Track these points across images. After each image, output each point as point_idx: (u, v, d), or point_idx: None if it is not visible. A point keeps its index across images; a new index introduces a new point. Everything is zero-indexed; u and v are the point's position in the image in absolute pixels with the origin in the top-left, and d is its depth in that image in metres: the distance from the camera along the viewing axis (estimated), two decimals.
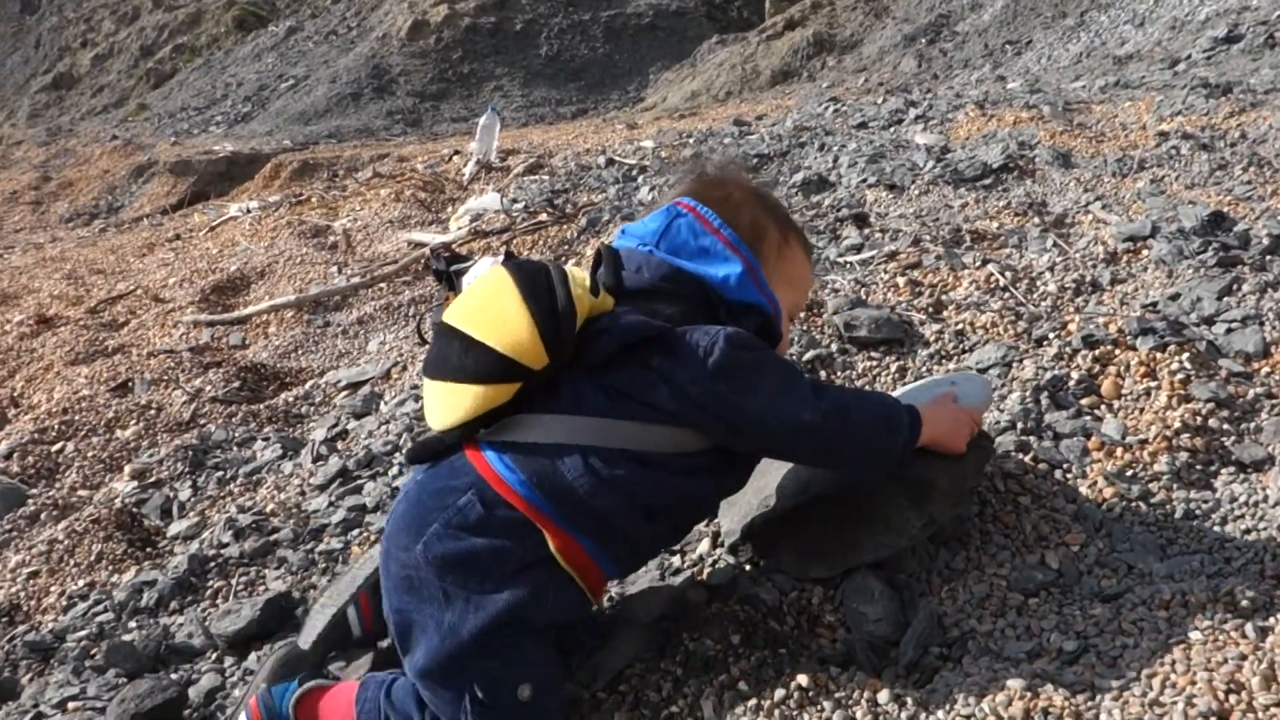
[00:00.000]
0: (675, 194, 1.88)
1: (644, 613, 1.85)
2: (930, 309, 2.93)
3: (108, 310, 5.78)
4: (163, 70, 26.66)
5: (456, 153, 9.12)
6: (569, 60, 19.22)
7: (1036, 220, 3.82)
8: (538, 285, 1.62)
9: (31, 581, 2.70)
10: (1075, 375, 2.42)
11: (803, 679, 1.59)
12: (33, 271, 7.95)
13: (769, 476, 2.03)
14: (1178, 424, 2.19)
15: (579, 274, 1.68)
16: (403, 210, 6.68)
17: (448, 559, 1.56)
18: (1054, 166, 4.64)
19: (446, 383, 1.65)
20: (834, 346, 2.81)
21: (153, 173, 14.74)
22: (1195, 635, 1.58)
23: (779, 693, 1.58)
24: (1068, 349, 2.52)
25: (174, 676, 2.15)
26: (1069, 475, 2.12)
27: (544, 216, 5.24)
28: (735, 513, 2.03)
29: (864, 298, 3.07)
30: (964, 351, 2.67)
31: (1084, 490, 2.07)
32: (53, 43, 33.17)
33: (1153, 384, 2.35)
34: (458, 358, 1.63)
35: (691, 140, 6.77)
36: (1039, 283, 3.08)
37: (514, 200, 5.95)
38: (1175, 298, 2.78)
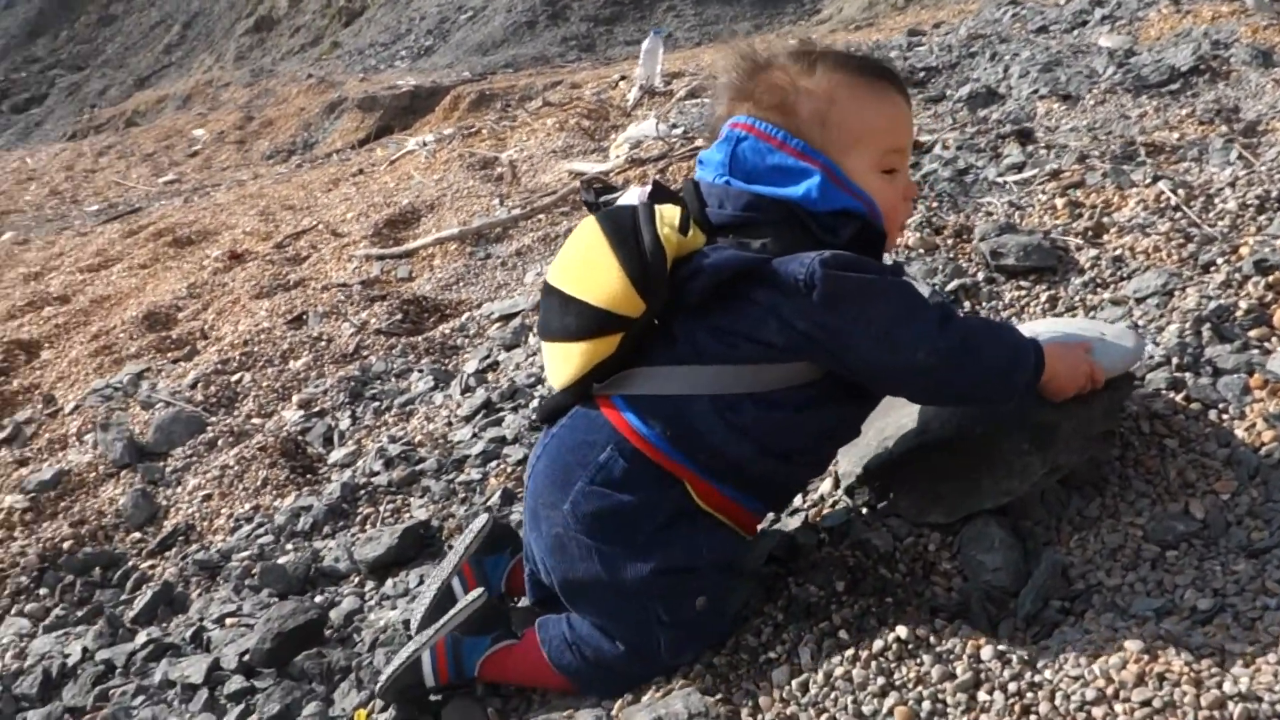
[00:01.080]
0: (724, 109, 1.72)
1: (752, 557, 1.82)
2: (1089, 232, 2.75)
3: (292, 245, 6.05)
4: (353, 8, 27.43)
5: (623, 78, 9.07)
6: None
7: (1224, 129, 3.52)
8: (624, 232, 1.59)
9: (205, 504, 2.89)
10: (1244, 305, 2.22)
11: (902, 631, 1.53)
12: (232, 208, 8.39)
13: (889, 417, 1.96)
14: None
15: (669, 212, 1.62)
16: (566, 139, 6.71)
17: (596, 517, 1.59)
18: (1252, 67, 4.25)
19: (556, 343, 1.67)
20: (980, 275, 2.68)
21: (343, 109, 15.27)
22: None
23: (877, 644, 1.53)
24: (1237, 275, 2.31)
25: (318, 599, 2.27)
26: (1225, 416, 1.95)
27: (700, 142, 5.16)
28: (854, 454, 1.96)
29: (1016, 222, 2.90)
30: (1121, 279, 2.49)
31: (1240, 433, 1.90)
32: None
33: None
34: (559, 317, 1.65)
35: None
36: (1216, 200, 2.83)
37: (673, 125, 5.88)
38: None
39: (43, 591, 2.58)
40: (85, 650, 2.25)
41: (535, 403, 2.91)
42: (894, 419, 1.94)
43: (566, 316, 1.63)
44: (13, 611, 2.52)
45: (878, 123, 1.66)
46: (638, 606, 1.61)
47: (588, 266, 1.62)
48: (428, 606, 1.93)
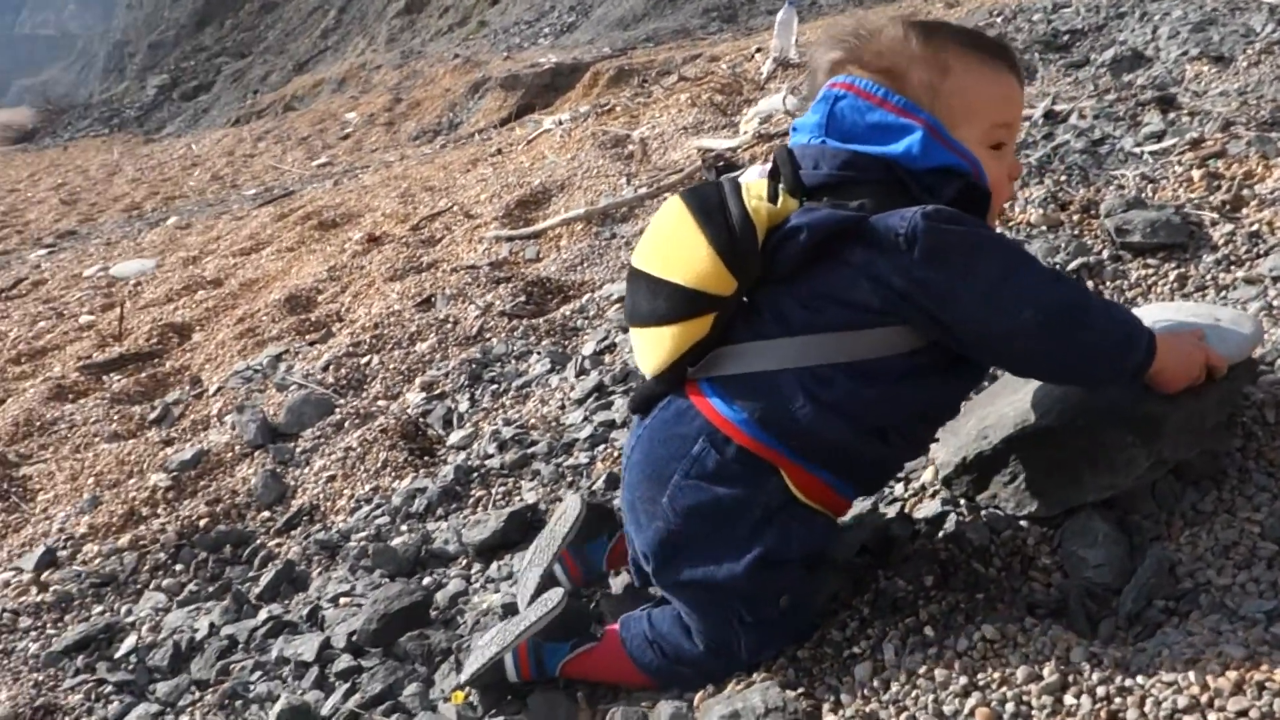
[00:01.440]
0: (826, 73, 1.65)
1: (844, 548, 1.78)
2: (1226, 206, 2.59)
3: (427, 227, 6.19)
4: None
5: (759, 50, 8.97)
6: None
7: None
8: (710, 207, 1.55)
9: (329, 485, 3.00)
10: None
11: (989, 629, 1.48)
12: (376, 190, 8.64)
13: (990, 407, 1.89)
14: None
15: (756, 185, 1.60)
16: (697, 115, 6.67)
17: (695, 511, 1.57)
18: None
19: (645, 328, 1.64)
20: (1105, 253, 2.55)
21: (486, 88, 15.53)
22: None
23: (963, 642, 1.49)
24: None
25: (426, 580, 2.33)
26: None
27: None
28: (952, 444, 1.90)
29: (1148, 195, 2.76)
30: (1257, 257, 2.34)
31: None
32: None
33: None
34: (648, 301, 1.62)
35: (999, 19, 6.28)
36: None
37: (804, 98, 5.78)
38: None
39: (179, 567, 2.73)
40: (212, 625, 2.37)
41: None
42: (995, 409, 1.88)
43: (656, 300, 1.60)
44: (151, 586, 2.67)
45: (989, 96, 1.61)
46: (722, 604, 1.60)
47: (675, 246, 1.59)
48: (532, 594, 1.95)
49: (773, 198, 1.59)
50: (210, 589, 2.60)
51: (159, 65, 43.37)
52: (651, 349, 1.64)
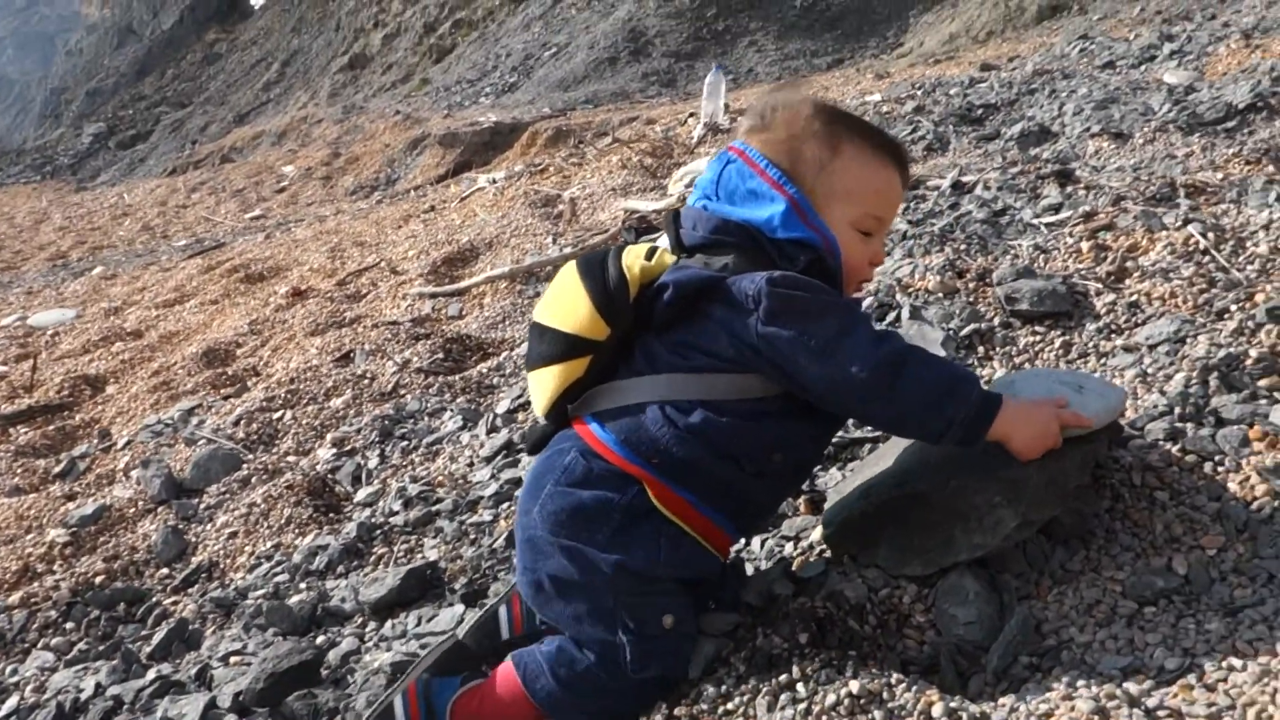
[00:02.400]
0: (740, 134, 1.87)
1: (726, 610, 1.81)
2: (1111, 276, 2.70)
3: (354, 282, 6.20)
4: (443, 45, 28.11)
5: (692, 115, 9.13)
6: (825, 9, 18.73)
7: (1271, 169, 3.43)
8: (593, 266, 1.76)
9: (230, 541, 2.97)
10: (1254, 353, 2.16)
11: (855, 685, 1.52)
12: (307, 244, 8.63)
13: (874, 467, 1.95)
14: None
15: (637, 248, 1.81)
16: (627, 177, 6.77)
17: (559, 514, 1.69)
18: None
19: (535, 370, 1.83)
20: (996, 320, 2.64)
21: (425, 145, 15.62)
22: None
23: (830, 698, 1.52)
24: (1250, 323, 2.26)
25: (319, 639, 2.31)
26: (1220, 469, 1.90)
27: None
28: (836, 503, 1.95)
29: (1040, 265, 2.86)
30: (1135, 326, 2.44)
31: (1233, 486, 1.85)
32: (349, 25, 35.63)
33: None
34: (537, 346, 1.81)
35: (919, 92, 6.47)
36: (1249, 244, 2.76)
37: None
38: None
39: (69, 626, 2.68)
40: (99, 685, 2.32)
41: None
42: (877, 470, 1.93)
43: (542, 345, 1.80)
44: (39, 645, 2.61)
45: (870, 186, 1.81)
46: (604, 607, 1.67)
47: (562, 299, 1.78)
48: (469, 628, 2.00)
49: (649, 255, 1.79)
50: (100, 648, 2.55)
51: (96, 113, 42.94)
52: (539, 388, 1.83)
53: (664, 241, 1.88)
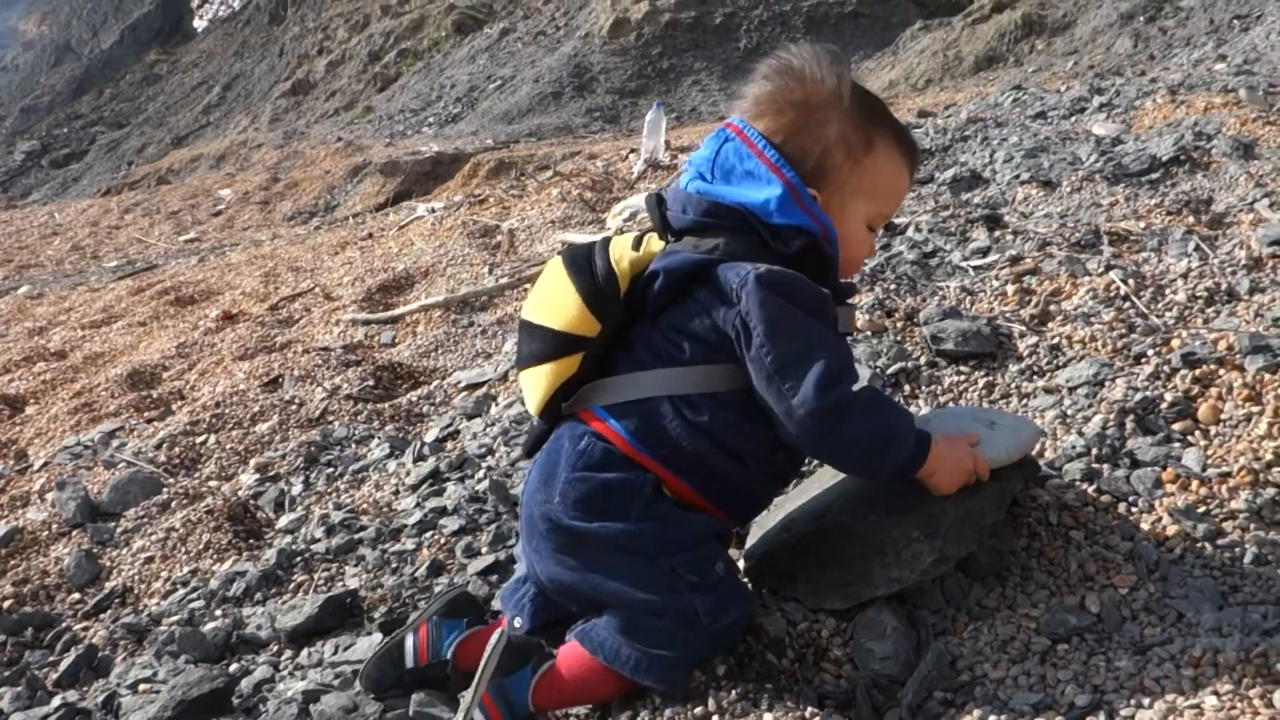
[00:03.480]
0: (738, 107, 1.81)
1: None
2: (1034, 319, 2.75)
3: (286, 307, 6.12)
4: (388, 74, 27.98)
5: (633, 150, 9.19)
6: (768, 53, 18.86)
7: (1191, 220, 3.53)
8: (580, 260, 1.74)
9: (146, 566, 2.89)
10: (1169, 397, 2.22)
11: (768, 718, 1.52)
12: (240, 269, 8.51)
13: (798, 500, 1.96)
14: (1270, 456, 1.97)
15: (623, 238, 1.79)
16: (566, 210, 6.78)
17: (587, 498, 1.68)
18: (1232, 159, 4.26)
19: (526, 369, 1.80)
20: (923, 359, 2.68)
21: (366, 173, 15.48)
22: (1211, 701, 1.42)
23: None
24: (1166, 368, 2.31)
25: (233, 668, 2.26)
26: (1134, 510, 1.94)
27: None
28: (758, 535, 1.96)
29: (965, 306, 2.91)
30: (1057, 368, 2.49)
31: (1145, 527, 1.89)
32: (293, 51, 35.37)
33: (1255, 409, 2.12)
34: (527, 345, 1.79)
35: None
36: (1167, 291, 2.83)
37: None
38: None
39: None
40: (1, 713, 2.25)
41: (482, 473, 2.92)
42: (800, 503, 1.94)
43: (533, 343, 1.77)
44: None
45: (892, 189, 1.84)
46: (664, 571, 1.66)
47: (551, 296, 1.76)
48: (372, 659, 1.98)
49: (636, 244, 1.77)
50: (5, 674, 2.46)
51: (30, 130, 42.11)
52: (532, 387, 1.80)
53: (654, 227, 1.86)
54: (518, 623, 1.84)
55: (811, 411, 1.58)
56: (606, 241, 1.77)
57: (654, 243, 1.79)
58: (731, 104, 1.87)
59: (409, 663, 1.95)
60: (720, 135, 1.77)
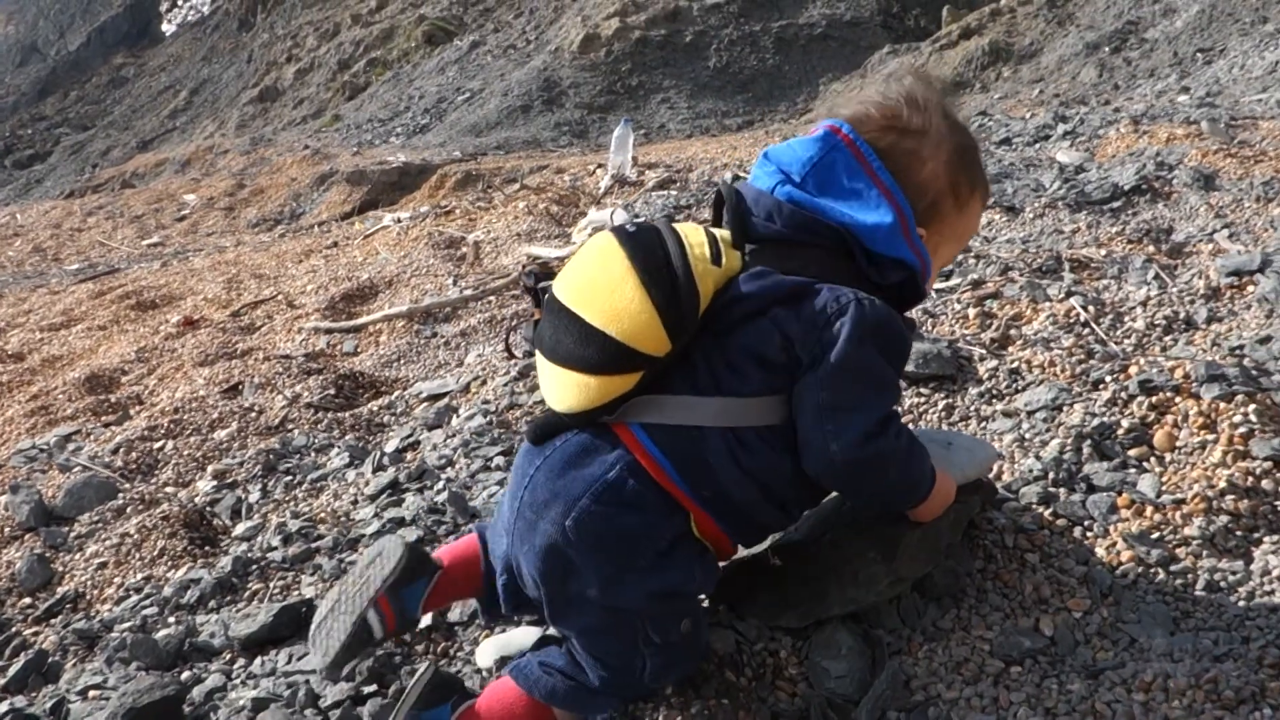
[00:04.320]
0: (847, 110, 1.68)
1: None
2: (994, 343, 2.78)
3: (248, 314, 6.07)
4: (357, 83, 27.90)
5: (600, 165, 9.20)
6: (737, 72, 19.12)
7: (1151, 248, 3.58)
8: (655, 265, 1.53)
9: (99, 572, 2.85)
10: (1126, 423, 2.24)
11: None
12: (203, 274, 8.43)
13: None
14: (1224, 484, 1.99)
15: (696, 239, 1.59)
16: (532, 223, 6.78)
17: (603, 537, 1.54)
18: (1193, 189, 4.33)
19: (568, 370, 1.57)
20: None
21: (332, 181, 15.41)
22: None
23: None
24: (1123, 394, 2.34)
25: (184, 675, 2.23)
26: (1089, 535, 1.96)
27: None
28: None
29: (927, 329, 2.93)
30: (1015, 392, 2.51)
31: (1100, 551, 1.91)
32: (262, 58, 35.19)
33: (1210, 437, 2.15)
34: (577, 345, 1.54)
35: None
36: (1126, 318, 2.87)
37: (636, 215, 5.95)
38: (1266, 341, 2.55)
39: None
40: None
41: (441, 484, 2.90)
42: None
43: (587, 347, 1.53)
44: None
45: (972, 232, 1.80)
46: (629, 626, 1.59)
47: (613, 296, 1.53)
48: (343, 643, 1.78)
49: (714, 257, 1.59)
50: None
51: None
52: (569, 392, 1.58)
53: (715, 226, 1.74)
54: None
55: (849, 461, 1.51)
56: (680, 242, 1.56)
57: (733, 255, 1.62)
58: (831, 106, 1.77)
59: (378, 635, 1.81)
60: (827, 140, 1.62)
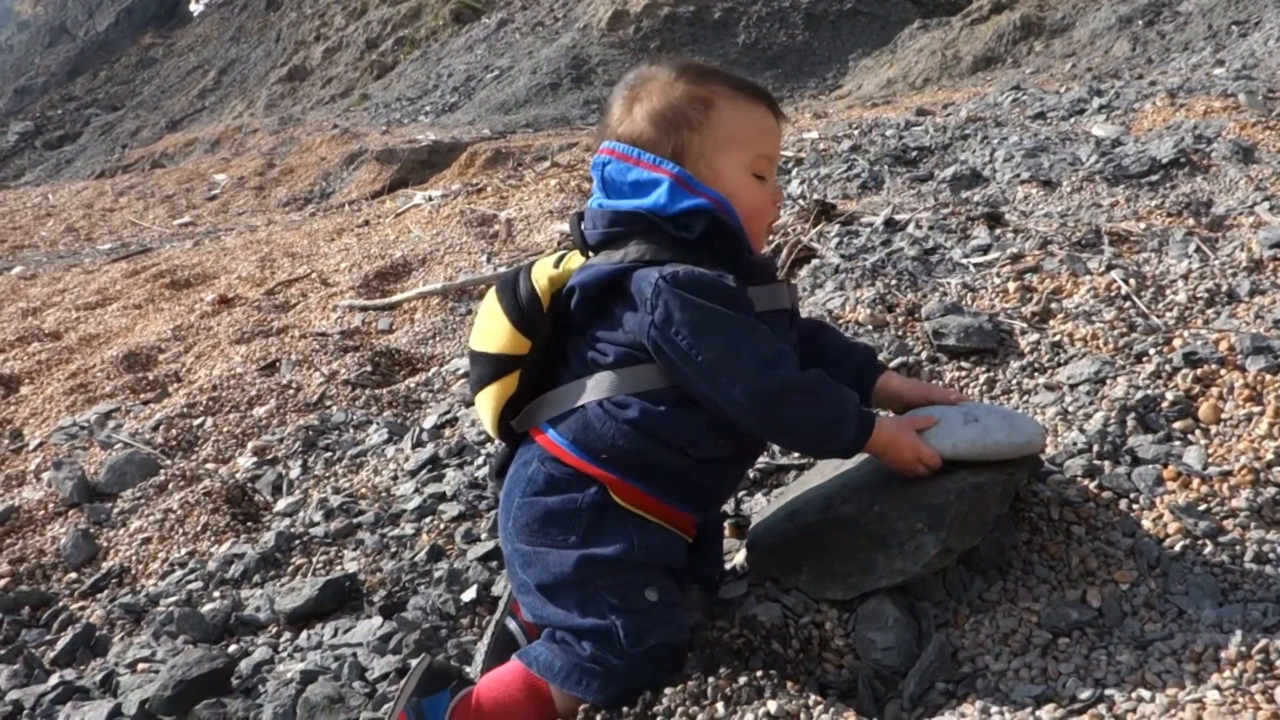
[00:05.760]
0: (600, 135, 1.89)
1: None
2: (1035, 317, 2.76)
3: (283, 292, 6.10)
4: (385, 62, 27.93)
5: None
6: (766, 48, 19.00)
7: (1191, 222, 3.54)
8: (506, 285, 1.84)
9: (144, 547, 2.89)
10: (1170, 396, 2.23)
11: (773, 705, 1.52)
12: (236, 253, 8.49)
13: (800, 491, 1.96)
14: (1271, 455, 1.98)
15: (546, 259, 1.88)
16: (564, 200, 6.78)
17: (531, 523, 1.74)
18: (1231, 162, 4.27)
19: (476, 394, 1.91)
20: (924, 354, 2.69)
21: (362, 160, 15.48)
22: (1213, 695, 1.43)
23: (749, 718, 1.52)
24: (1167, 367, 2.32)
25: (232, 648, 2.26)
26: (1135, 507, 1.95)
27: None
28: (760, 525, 1.97)
29: (967, 303, 2.91)
30: (1058, 365, 2.50)
31: (1146, 524, 1.90)
32: (290, 37, 35.26)
33: (1256, 409, 2.13)
34: (474, 371, 1.90)
35: (856, 132, 6.58)
36: (1168, 291, 2.84)
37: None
38: None
39: None
40: None
41: (482, 459, 2.92)
42: (804, 494, 1.95)
43: (477, 368, 1.88)
44: None
45: (751, 128, 1.83)
46: (586, 596, 1.69)
47: (487, 323, 1.86)
48: (487, 648, 1.96)
49: (557, 262, 1.86)
50: (2, 652, 2.47)
51: (23, 111, 41.91)
52: (483, 410, 1.91)
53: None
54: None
55: (754, 396, 1.63)
56: (529, 265, 1.86)
57: (574, 260, 1.86)
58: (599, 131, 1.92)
59: (523, 644, 1.91)
60: (598, 164, 1.83)
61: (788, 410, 1.66)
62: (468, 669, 1.94)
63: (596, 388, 1.75)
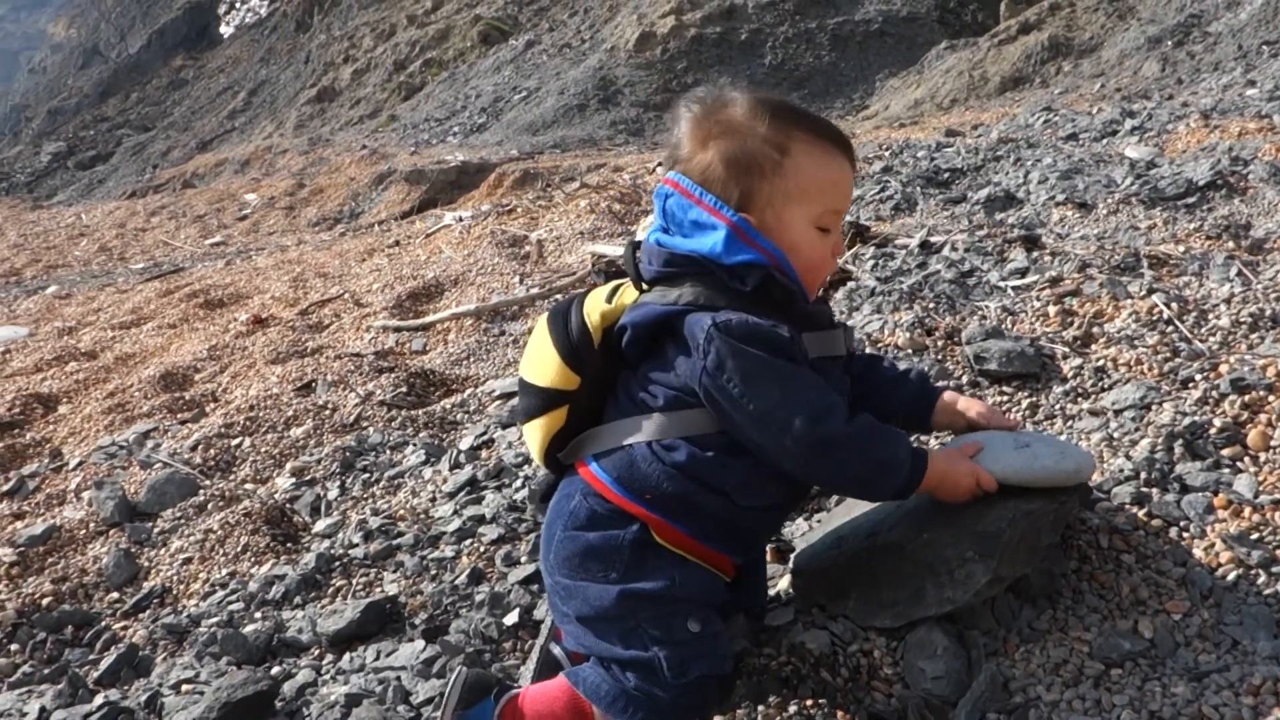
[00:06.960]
0: (667, 159, 1.84)
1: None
2: (1077, 341, 2.74)
3: (316, 313, 6.14)
4: (413, 83, 28.13)
5: (660, 164, 9.20)
6: (793, 69, 19.04)
7: (1231, 245, 3.51)
8: (557, 317, 1.82)
9: (185, 567, 2.90)
10: (1218, 423, 2.20)
11: None
12: (268, 273, 8.55)
13: (846, 516, 1.96)
14: None
15: (599, 291, 1.86)
16: (595, 221, 6.79)
17: (572, 558, 1.73)
18: (1270, 184, 4.25)
19: (524, 424, 1.90)
20: (965, 378, 2.67)
21: (391, 181, 15.57)
22: None
23: None
24: (1214, 393, 2.30)
25: (275, 670, 2.27)
26: (1185, 535, 1.93)
27: None
28: (806, 552, 1.96)
29: (1007, 327, 2.90)
30: (1102, 390, 2.48)
31: (1198, 553, 1.88)
32: (319, 58, 35.60)
33: None
34: (523, 401, 1.89)
35: (887, 153, 6.57)
36: (1210, 316, 2.82)
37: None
38: None
39: (14, 647, 2.60)
40: (43, 709, 2.25)
41: (520, 482, 2.92)
42: (850, 520, 1.94)
43: (526, 399, 1.86)
44: None
45: (826, 181, 1.76)
46: (629, 629, 1.67)
47: (537, 354, 1.84)
48: (533, 672, 1.98)
49: (610, 295, 1.83)
50: (46, 671, 2.48)
51: (56, 132, 42.47)
52: (531, 440, 1.90)
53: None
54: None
55: (805, 445, 1.60)
56: (581, 298, 1.83)
57: (628, 294, 1.82)
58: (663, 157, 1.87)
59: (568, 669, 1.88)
60: (660, 193, 1.79)
61: (840, 458, 1.64)
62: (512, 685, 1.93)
63: (645, 429, 1.74)
